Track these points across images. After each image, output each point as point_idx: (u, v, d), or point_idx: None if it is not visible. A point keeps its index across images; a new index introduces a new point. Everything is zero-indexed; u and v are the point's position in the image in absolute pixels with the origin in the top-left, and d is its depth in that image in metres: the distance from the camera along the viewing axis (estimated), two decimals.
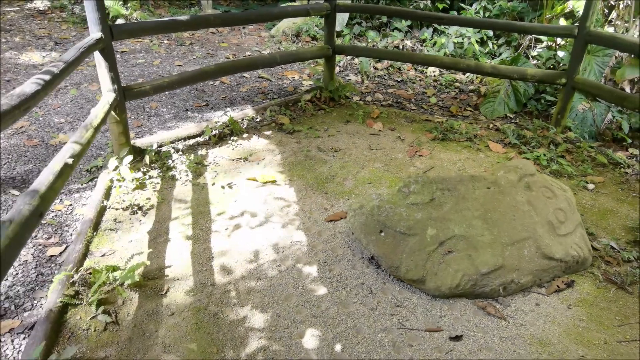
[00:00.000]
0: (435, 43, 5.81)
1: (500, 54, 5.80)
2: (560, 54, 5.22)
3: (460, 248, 2.41)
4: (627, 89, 4.18)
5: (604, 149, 3.93)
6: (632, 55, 4.21)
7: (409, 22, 6.18)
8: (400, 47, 6.00)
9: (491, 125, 4.40)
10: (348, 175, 3.50)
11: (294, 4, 6.60)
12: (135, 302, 2.25)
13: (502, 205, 2.59)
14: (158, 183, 3.25)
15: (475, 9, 5.80)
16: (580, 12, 4.93)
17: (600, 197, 3.32)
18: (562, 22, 5.34)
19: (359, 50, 4.82)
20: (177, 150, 3.60)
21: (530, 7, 5.82)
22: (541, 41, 5.55)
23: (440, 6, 6.01)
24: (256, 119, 4.31)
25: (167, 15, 7.73)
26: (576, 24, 4.02)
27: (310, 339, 2.09)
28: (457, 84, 5.50)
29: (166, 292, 2.31)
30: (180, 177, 3.34)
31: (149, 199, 3.07)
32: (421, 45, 6.07)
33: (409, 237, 2.43)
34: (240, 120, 4.18)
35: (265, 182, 3.37)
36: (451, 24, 4.96)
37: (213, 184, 3.30)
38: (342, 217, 2.99)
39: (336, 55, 4.82)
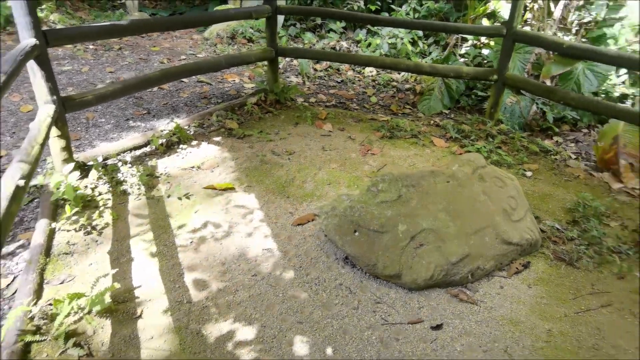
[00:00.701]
0: (369, 44, 5.96)
1: (430, 52, 6.08)
2: (485, 51, 5.59)
3: (430, 241, 2.50)
4: (548, 83, 4.57)
5: (534, 139, 4.28)
6: (553, 53, 4.62)
7: (343, 24, 6.29)
8: (337, 48, 6.09)
9: (432, 122, 4.61)
10: (307, 177, 3.50)
11: (228, 6, 6.43)
12: (108, 329, 2.08)
13: (462, 197, 2.73)
14: (109, 199, 3.02)
15: (406, 10, 6.03)
16: (502, 13, 5.32)
17: (538, 182, 3.61)
18: (485, 22, 5.73)
19: (302, 52, 4.82)
20: (125, 163, 3.37)
21: (454, 8, 6.16)
22: (467, 40, 5.90)
23: (373, 7, 6.18)
24: (203, 125, 4.16)
25: (88, 19, 7.20)
26: (498, 23, 4.33)
27: (301, 346, 2.07)
28: (394, 83, 5.69)
29: (140, 315, 2.17)
30: (133, 191, 3.14)
31: (102, 216, 2.85)
32: (356, 46, 6.20)
33: (383, 235, 2.49)
34: (187, 127, 4.01)
35: (224, 190, 3.26)
36: (387, 26, 5.12)
37: (169, 196, 3.14)
38: (309, 219, 2.98)
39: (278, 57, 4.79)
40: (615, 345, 2.12)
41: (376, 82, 5.75)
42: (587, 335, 2.17)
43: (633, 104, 4.48)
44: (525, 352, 2.08)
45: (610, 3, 4.58)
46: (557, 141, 4.41)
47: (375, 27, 6.09)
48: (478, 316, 2.30)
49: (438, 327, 2.23)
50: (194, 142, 3.85)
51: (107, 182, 3.17)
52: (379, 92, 5.53)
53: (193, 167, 3.51)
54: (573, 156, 4.02)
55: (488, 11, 5.72)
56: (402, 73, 5.81)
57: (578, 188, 3.52)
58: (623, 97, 4.65)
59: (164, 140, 3.70)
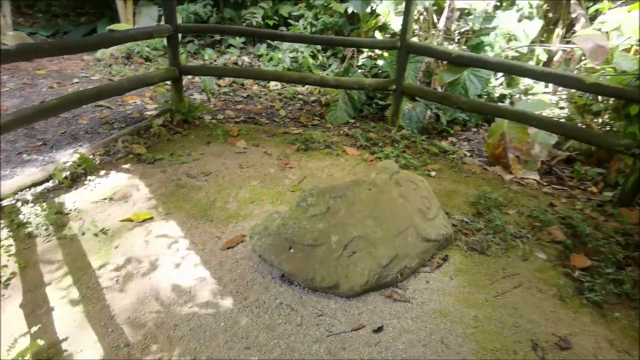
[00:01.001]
0: (271, 58, 6.03)
1: (330, 65, 6.32)
2: (380, 62, 5.95)
3: (361, 247, 2.62)
4: (439, 89, 5.02)
5: (433, 141, 4.66)
6: (442, 62, 5.07)
7: (243, 39, 6.28)
8: (239, 63, 6.05)
9: (342, 132, 4.80)
10: (228, 197, 3.44)
11: (123, 25, 6.05)
12: None
13: (383, 202, 2.89)
14: (12, 245, 2.70)
15: (303, 24, 6.20)
16: (392, 25, 5.70)
17: (442, 181, 3.94)
18: (377, 34, 6.10)
19: (207, 69, 4.72)
20: (26, 202, 3.03)
21: (347, 22, 6.48)
22: (362, 52, 6.23)
23: (271, 22, 6.26)
24: (109, 152, 3.89)
25: None
26: (388, 35, 4.66)
27: None
28: (300, 96, 5.82)
29: None
30: (40, 233, 2.84)
31: (5, 266, 2.53)
32: (258, 60, 6.23)
33: (317, 248, 2.55)
34: (92, 157, 3.71)
35: (143, 221, 3.09)
36: (289, 41, 5.21)
37: (83, 234, 2.89)
38: (238, 242, 2.94)
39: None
40: (531, 320, 2.41)
41: (282, 95, 5.83)
42: (507, 316, 2.43)
43: (511, 103, 5.09)
44: (459, 340, 2.27)
45: (484, 14, 5.17)
46: (452, 141, 4.85)
47: (276, 42, 6.17)
48: (412, 313, 2.46)
49: (379, 329, 2.35)
50: (102, 172, 3.59)
51: (5, 226, 2.83)
52: (287, 105, 5.61)
53: (105, 199, 3.26)
54: (468, 154, 4.47)
55: (379, 24, 6.11)
56: (307, 86, 5.96)
57: (477, 182, 3.91)
58: (502, 97, 5.27)
59: (69, 172, 3.39)
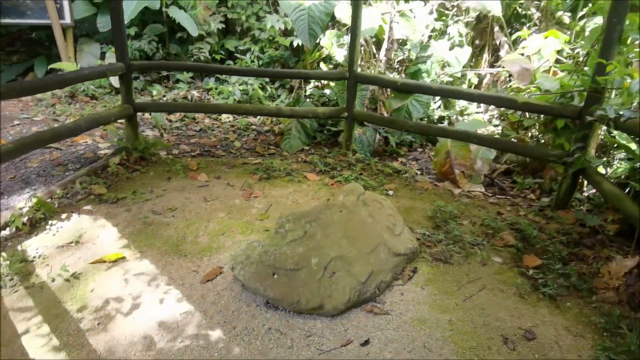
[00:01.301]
0: (221, 92, 6.12)
1: (279, 95, 6.52)
2: (327, 91, 6.23)
3: (340, 267, 2.75)
4: (385, 114, 5.35)
5: (386, 162, 4.95)
6: (386, 90, 5.41)
7: (191, 74, 6.32)
8: (189, 97, 6.08)
9: (299, 159, 4.95)
10: (198, 231, 3.45)
11: (66, 64, 5.86)
12: None
13: (354, 222, 3.06)
14: None
15: (250, 58, 6.37)
16: (336, 57, 6.02)
17: (400, 199, 4.19)
18: (323, 65, 6.39)
19: (163, 106, 4.73)
20: None
21: (292, 55, 6.74)
22: (309, 82, 6.49)
23: (218, 57, 6.37)
24: (67, 194, 3.77)
25: None
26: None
27: None
28: (254, 127, 5.94)
29: None
30: (5, 284, 2.70)
31: None
32: (207, 94, 6.29)
33: (299, 272, 2.65)
34: (50, 200, 3.58)
35: (115, 261, 3.03)
36: (242, 75, 5.34)
37: (53, 280, 2.78)
38: (216, 274, 2.96)
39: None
40: (498, 318, 2.64)
41: (235, 127, 5.91)
42: (477, 316, 2.65)
43: (450, 123, 5.53)
44: (439, 343, 2.45)
45: (420, 44, 5.63)
46: (402, 162, 5.17)
47: (224, 75, 6.28)
48: (393, 323, 2.61)
49: (366, 342, 2.47)
50: (63, 215, 3.47)
51: None
52: (241, 137, 5.70)
53: (71, 243, 3.16)
54: (418, 172, 4.79)
55: (323, 56, 6.42)
56: (259, 117, 6.09)
57: (430, 198, 4.20)
58: (441, 119, 5.71)
59: (27, 218, 3.26)
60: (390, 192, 4.25)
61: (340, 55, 6.09)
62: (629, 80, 3.03)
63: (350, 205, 3.16)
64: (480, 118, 5.53)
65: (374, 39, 5.99)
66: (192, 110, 5.21)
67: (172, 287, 2.80)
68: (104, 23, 6.38)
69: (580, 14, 5.23)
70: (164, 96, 6.14)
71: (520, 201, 4.14)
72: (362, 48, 6.07)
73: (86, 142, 5.05)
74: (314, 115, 4.81)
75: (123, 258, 3.06)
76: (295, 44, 6.18)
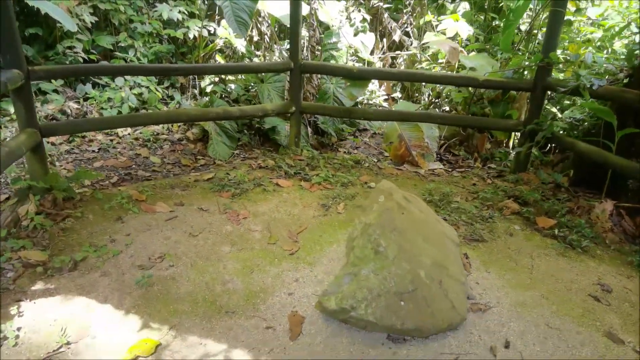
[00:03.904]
0: (107, 99, 4.72)
1: (172, 96, 5.41)
2: (232, 86, 5.45)
3: (440, 273, 2.42)
4: (349, 104, 4.93)
5: (343, 155, 4.62)
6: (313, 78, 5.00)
7: (60, 82, 4.61)
8: (67, 111, 4.48)
9: (253, 166, 4.21)
10: (219, 277, 2.61)
11: None
12: None
13: (418, 222, 2.71)
14: None
15: (135, 55, 5.04)
16: (238, 47, 5.32)
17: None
18: (219, 58, 5.56)
19: (79, 125, 3.37)
20: None
21: (176, 48, 5.64)
22: (203, 78, 5.56)
23: (94, 57, 4.83)
24: (5, 274, 2.37)
25: None
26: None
27: None
28: (163, 136, 4.79)
29: None
30: None
31: None
32: (89, 105, 4.76)
33: (417, 291, 2.22)
34: None
35: (153, 353, 2.04)
36: (160, 75, 4.17)
37: None
38: (300, 322, 2.29)
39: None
40: (570, 279, 2.74)
41: (140, 139, 4.68)
42: (555, 283, 2.70)
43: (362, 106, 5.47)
44: (555, 319, 2.40)
45: (327, 32, 5.36)
46: (344, 152, 4.91)
47: (105, 79, 4.84)
48: (505, 316, 2.44)
49: (507, 344, 2.25)
50: (12, 310, 2.16)
51: None
52: (154, 150, 4.55)
53: (59, 349, 2.00)
54: (375, 160, 4.62)
55: (218, 47, 5.58)
56: (162, 125, 4.95)
57: (407, 183, 4.10)
58: (355, 104, 5.61)
59: None
60: (372, 184, 3.98)
61: (240, 44, 5.38)
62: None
63: (404, 205, 2.81)
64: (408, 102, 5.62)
65: (276, 27, 5.46)
66: (118, 126, 3.85)
67: None
68: None
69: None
70: (38, 112, 4.38)
71: (479, 171, 4.39)
72: (266, 36, 5.48)
73: None
74: (263, 114, 4.13)
75: (159, 344, 2.09)
76: (192, 36, 5.16)
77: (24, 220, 2.83)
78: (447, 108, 5.41)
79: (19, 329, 2.09)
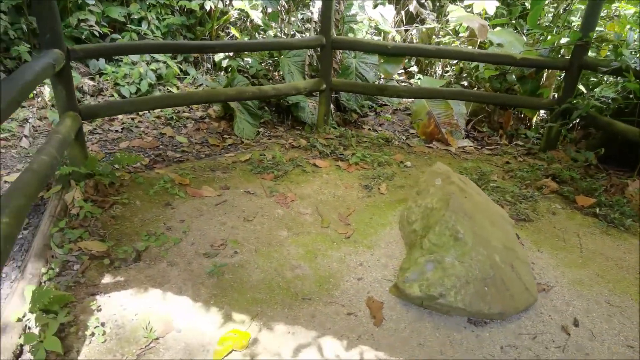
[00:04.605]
0: (125, 75, 4.48)
1: (185, 71, 5.20)
2: (249, 60, 5.27)
3: (511, 256, 2.47)
4: (371, 79, 4.81)
5: (370, 133, 4.57)
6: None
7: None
8: (85, 88, 4.24)
9: (286, 145, 4.13)
10: (286, 262, 2.60)
11: None
12: None
13: (480, 204, 2.74)
14: None
15: (150, 29, 4.77)
16: (255, 20, 5.12)
17: (419, 169, 3.95)
18: (233, 30, 5.34)
19: (120, 105, 3.21)
20: None
21: (187, 21, 5.37)
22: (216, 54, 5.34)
23: (105, 30, 4.53)
24: (61, 271, 2.28)
25: None
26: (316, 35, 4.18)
27: None
28: (185, 114, 4.62)
29: None
30: None
31: None
32: (102, 80, 4.51)
33: (496, 275, 2.27)
34: (48, 284, 2.10)
35: (246, 346, 2.03)
36: (174, 52, 3.96)
37: None
38: (380, 308, 2.30)
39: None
40: (619, 257, 2.84)
41: (162, 118, 4.50)
42: (606, 261, 2.80)
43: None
44: (614, 297, 2.50)
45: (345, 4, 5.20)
46: (368, 129, 4.86)
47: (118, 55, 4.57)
48: (567, 295, 2.52)
49: (576, 322, 2.33)
50: (89, 305, 2.10)
51: None
52: (178, 129, 4.40)
53: (149, 345, 1.96)
54: (403, 137, 4.60)
55: (231, 19, 5.35)
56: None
57: (440, 161, 4.10)
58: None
59: (39, 328, 1.85)
60: (409, 164, 3.98)
61: (256, 16, 5.17)
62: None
63: (464, 188, 2.82)
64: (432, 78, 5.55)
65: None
66: (158, 106, 3.65)
67: (355, 346, 2.07)
68: None
69: None
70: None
71: (508, 148, 4.43)
72: (283, 10, 5.28)
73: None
74: (296, 92, 4.02)
75: (247, 336, 2.08)
76: (209, 7, 4.91)
77: (72, 208, 2.72)
78: (465, 83, 5.39)
79: (103, 324, 2.04)
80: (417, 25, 5.72)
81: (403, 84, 5.57)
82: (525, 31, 4.69)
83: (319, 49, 4.19)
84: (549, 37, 4.14)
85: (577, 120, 4.30)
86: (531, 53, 3.91)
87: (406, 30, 5.84)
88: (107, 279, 2.32)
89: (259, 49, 4.30)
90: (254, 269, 2.52)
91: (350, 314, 2.27)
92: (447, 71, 5.38)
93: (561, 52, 3.90)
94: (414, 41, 6.25)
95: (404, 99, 5.32)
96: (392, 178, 3.70)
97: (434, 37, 5.92)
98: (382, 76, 5.03)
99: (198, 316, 2.17)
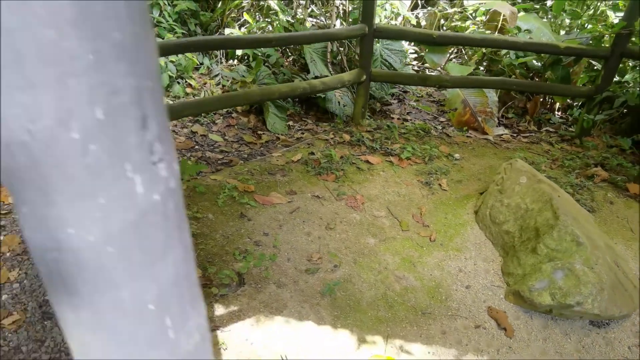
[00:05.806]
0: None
1: (201, 63, 4.83)
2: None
3: (614, 256, 2.51)
4: (398, 66, 4.66)
5: (411, 124, 4.47)
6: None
7: None
8: None
9: (331, 141, 3.95)
10: (388, 275, 2.50)
11: None
12: None
13: (569, 202, 2.74)
14: None
15: (161, 15, 4.33)
16: (272, 5, 4.84)
17: (469, 160, 3.92)
18: (245, 16, 5.01)
19: (179, 108, 2.88)
20: None
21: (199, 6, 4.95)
22: None
23: None
24: None
25: None
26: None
27: None
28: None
29: None
30: None
31: None
32: None
33: (615, 276, 2.29)
34: None
35: None
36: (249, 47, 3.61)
37: None
38: (503, 317, 2.27)
39: None
40: None
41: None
42: None
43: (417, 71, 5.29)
44: None
45: None
46: (397, 119, 4.77)
47: None
48: None
49: None
50: (219, 342, 1.90)
51: None
52: (209, 127, 4.09)
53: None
54: (439, 127, 4.54)
55: (243, 4, 5.01)
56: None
57: (484, 152, 4.10)
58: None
59: None
60: (457, 156, 3.94)
61: (271, 1, 4.87)
62: None
63: (555, 187, 2.81)
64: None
65: None
66: (216, 108, 3.24)
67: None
68: None
69: None
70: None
71: (542, 136, 4.50)
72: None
73: None
74: (342, 85, 3.82)
75: None
76: None
77: None
78: (481, 68, 5.40)
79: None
80: (439, 9, 5.63)
81: (432, 71, 5.48)
82: (549, 16, 4.73)
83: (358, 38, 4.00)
84: (589, 25, 4.19)
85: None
86: (573, 42, 3.94)
87: (417, 16, 5.73)
88: (219, 310, 2.12)
89: (310, 41, 4.04)
90: (361, 283, 2.40)
91: (478, 327, 2.22)
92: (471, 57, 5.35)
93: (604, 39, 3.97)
94: (422, 24, 6.16)
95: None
96: (447, 173, 3.64)
97: (441, 20, 5.87)
98: (406, 62, 4.92)
99: (330, 342, 2.04)
